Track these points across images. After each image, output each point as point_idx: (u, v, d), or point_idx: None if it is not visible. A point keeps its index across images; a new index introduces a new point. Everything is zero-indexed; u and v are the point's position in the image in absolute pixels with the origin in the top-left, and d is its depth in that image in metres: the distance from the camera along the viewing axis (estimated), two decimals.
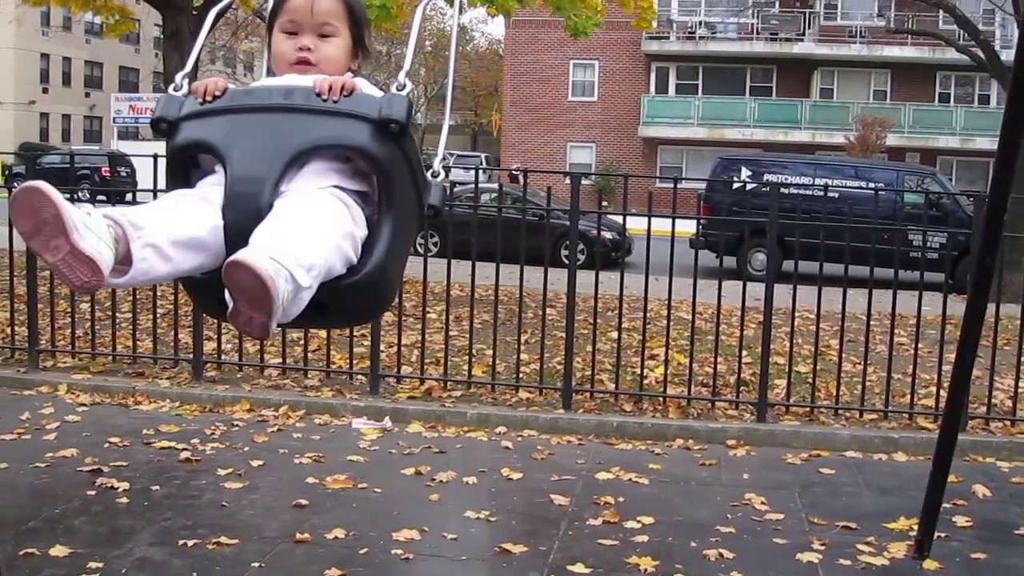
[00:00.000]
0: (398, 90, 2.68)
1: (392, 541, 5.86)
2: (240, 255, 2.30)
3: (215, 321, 9.56)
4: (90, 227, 2.29)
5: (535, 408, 8.85)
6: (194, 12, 16.39)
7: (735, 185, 21.49)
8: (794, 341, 9.05)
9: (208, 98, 2.69)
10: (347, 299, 2.69)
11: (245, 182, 2.55)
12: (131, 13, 18.95)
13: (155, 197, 9.44)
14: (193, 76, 2.94)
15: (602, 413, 8.76)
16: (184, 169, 2.75)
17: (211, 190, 2.60)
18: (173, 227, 2.46)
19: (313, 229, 2.47)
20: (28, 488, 6.66)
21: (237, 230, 2.49)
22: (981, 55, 22.19)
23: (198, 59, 3.20)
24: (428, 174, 2.90)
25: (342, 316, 3.01)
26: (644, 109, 46.03)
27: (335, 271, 2.56)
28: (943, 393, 7.91)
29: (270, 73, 2.95)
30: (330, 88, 2.62)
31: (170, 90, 2.77)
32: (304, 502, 6.52)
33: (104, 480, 6.74)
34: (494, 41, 75.53)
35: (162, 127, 2.71)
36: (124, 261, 2.38)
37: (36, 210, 2.25)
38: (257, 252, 2.32)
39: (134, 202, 9.47)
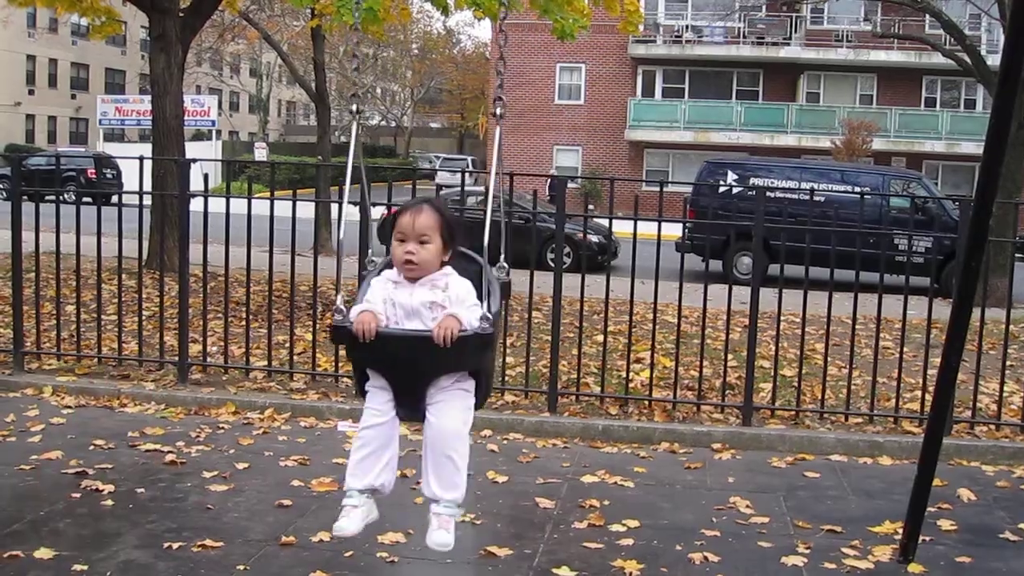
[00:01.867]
0: (483, 322, 3.91)
1: (377, 544, 5.86)
2: (438, 543, 4.08)
3: (200, 323, 9.56)
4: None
5: (521, 411, 8.85)
6: (180, 14, 16.36)
7: (721, 189, 21.52)
8: (780, 345, 9.07)
9: (365, 339, 3.90)
10: None
11: (406, 393, 4.06)
12: (117, 15, 18.88)
13: (140, 200, 9.44)
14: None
15: (588, 416, 8.77)
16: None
17: (383, 394, 4.10)
18: (384, 469, 4.13)
19: (463, 459, 4.12)
20: (12, 490, 6.64)
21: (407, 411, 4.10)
22: (967, 59, 22.29)
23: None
24: (496, 281, 4.19)
25: None
26: (630, 112, 46.05)
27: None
28: (928, 397, 7.94)
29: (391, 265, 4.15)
30: (445, 334, 3.82)
31: (336, 316, 4.04)
32: (289, 505, 6.51)
33: (89, 482, 6.72)
34: (480, 44, 75.54)
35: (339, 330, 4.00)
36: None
37: None
38: (446, 528, 4.08)
39: (120, 204, 9.45)
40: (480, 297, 4.06)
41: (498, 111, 4.32)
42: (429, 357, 3.91)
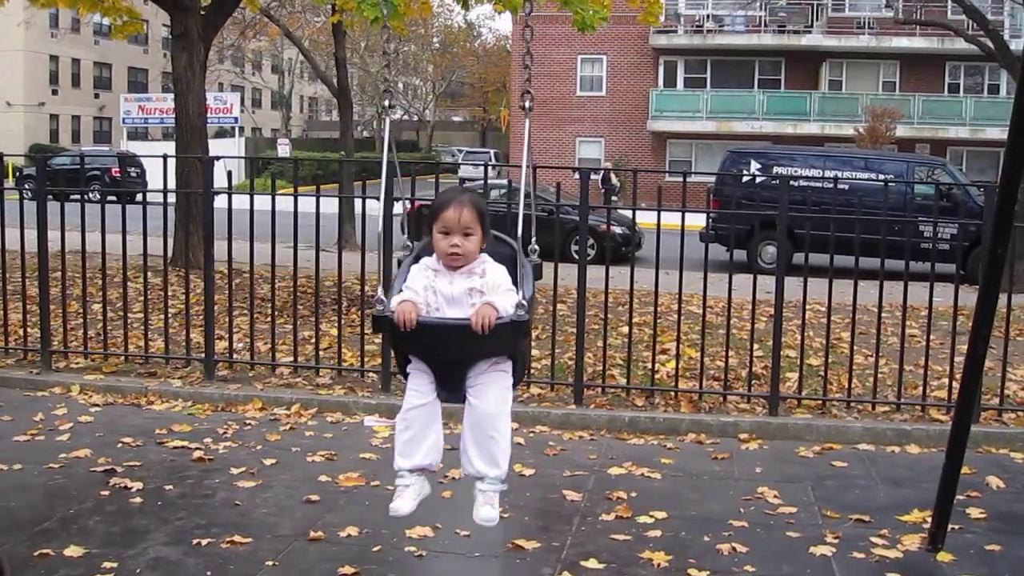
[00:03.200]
0: (518, 309, 4.02)
1: (405, 538, 5.87)
2: (485, 519, 4.29)
3: (227, 320, 9.59)
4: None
5: (547, 404, 8.85)
6: (202, 12, 16.41)
7: (744, 178, 21.46)
8: (805, 334, 9.04)
9: (406, 329, 4.01)
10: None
11: (447, 376, 4.21)
12: (139, 14, 18.96)
13: (164, 198, 9.48)
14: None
15: (614, 408, 8.76)
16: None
17: (425, 376, 4.22)
18: (431, 449, 4.30)
19: (505, 438, 4.30)
20: (42, 489, 6.68)
21: (448, 393, 4.26)
22: (990, 44, 22.15)
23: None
24: (529, 266, 4.29)
25: None
26: (652, 103, 45.95)
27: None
28: (956, 384, 7.90)
29: (427, 251, 4.31)
30: (483, 322, 3.95)
31: (377, 306, 4.12)
32: (317, 500, 6.53)
33: (118, 480, 6.76)
34: (502, 37, 75.52)
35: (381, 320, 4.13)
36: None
37: None
38: (491, 504, 4.30)
39: (144, 202, 9.49)
40: (515, 282, 4.18)
41: (527, 104, 4.37)
42: (468, 343, 4.06)
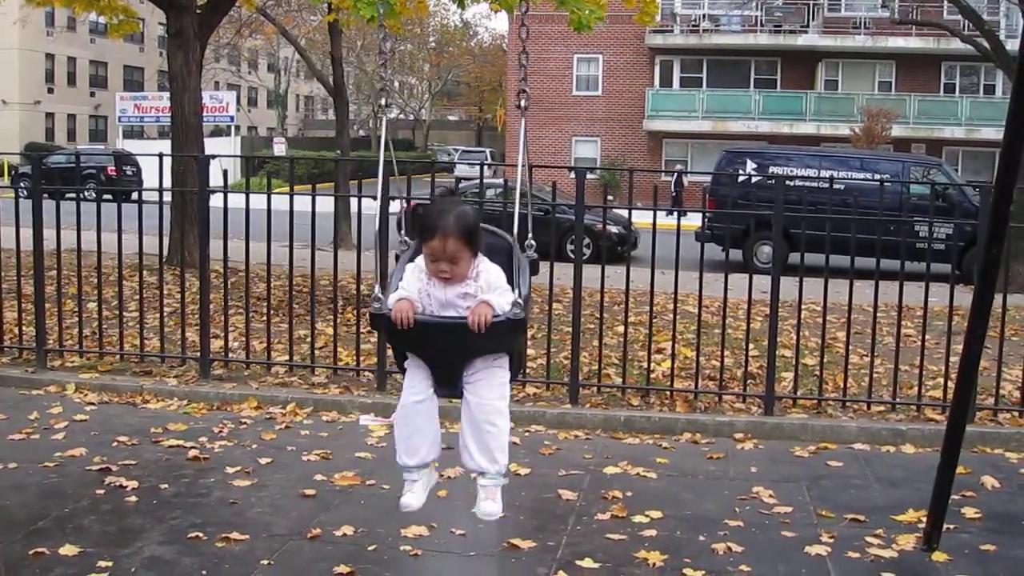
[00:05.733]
0: (514, 307, 4.12)
1: (401, 537, 5.87)
2: (486, 513, 4.44)
3: (222, 319, 9.60)
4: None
5: (542, 403, 8.85)
6: (198, 11, 16.41)
7: (740, 178, 21.47)
8: (801, 333, 9.05)
9: (404, 327, 4.12)
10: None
11: (444, 372, 4.30)
12: (135, 13, 18.96)
13: (160, 197, 9.47)
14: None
15: (609, 407, 8.77)
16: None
17: (421, 372, 4.32)
18: (432, 445, 4.45)
19: (503, 432, 4.33)
20: (37, 488, 6.67)
21: (446, 389, 4.34)
22: (986, 45, 22.16)
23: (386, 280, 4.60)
24: (526, 259, 4.39)
25: None
26: (648, 103, 45.94)
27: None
28: (951, 384, 7.91)
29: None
30: (479, 320, 4.05)
31: (374, 304, 4.24)
32: (312, 499, 6.53)
33: (113, 479, 6.75)
34: (498, 36, 75.49)
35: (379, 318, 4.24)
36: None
37: None
38: (493, 498, 4.42)
39: (140, 201, 9.47)
40: (510, 280, 4.26)
41: (522, 103, 4.44)
42: (465, 341, 4.15)
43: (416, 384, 4.30)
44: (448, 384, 4.31)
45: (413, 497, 4.47)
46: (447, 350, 4.26)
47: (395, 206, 8.71)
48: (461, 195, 12.32)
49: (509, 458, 4.44)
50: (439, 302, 4.21)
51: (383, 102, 4.80)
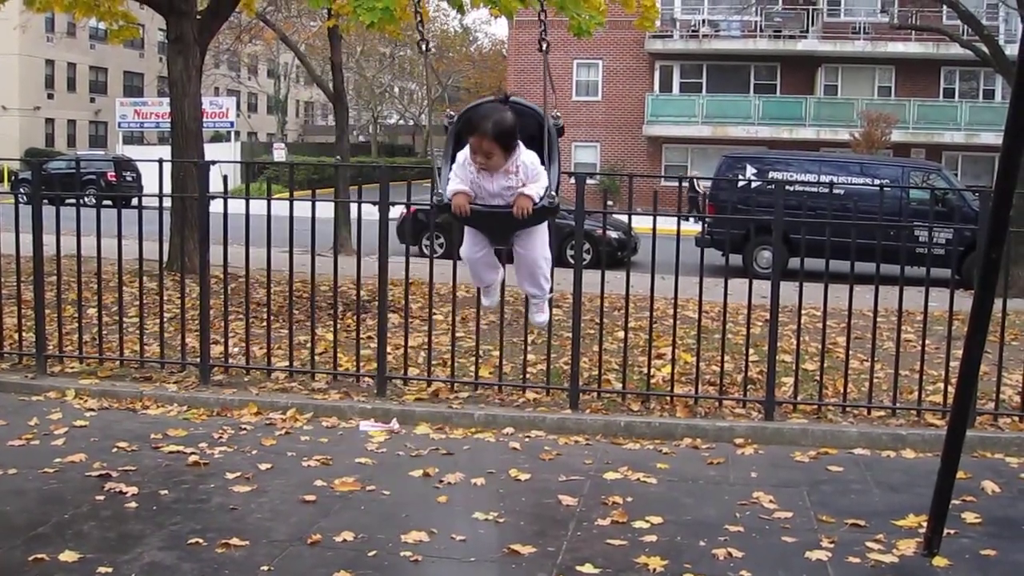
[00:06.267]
0: (547, 196, 5.18)
1: (401, 543, 5.87)
2: (538, 323, 6.14)
3: (222, 325, 9.60)
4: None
5: (542, 409, 8.85)
6: (198, 16, 16.41)
7: (740, 183, 21.48)
8: (801, 339, 9.05)
9: (462, 215, 5.21)
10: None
11: (496, 239, 5.63)
12: (135, 19, 18.98)
13: (160, 203, 9.48)
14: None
15: (609, 413, 8.76)
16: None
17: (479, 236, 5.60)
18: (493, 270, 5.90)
19: (546, 270, 5.72)
20: (37, 493, 6.67)
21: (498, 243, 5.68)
22: (985, 50, 22.17)
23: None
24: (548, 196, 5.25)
25: None
26: (648, 108, 45.95)
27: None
28: (951, 389, 7.91)
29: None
30: (522, 211, 5.14)
31: (435, 197, 5.27)
32: (312, 505, 6.53)
33: (112, 485, 6.74)
34: (497, 41, 75.52)
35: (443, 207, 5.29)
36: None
37: None
38: (542, 311, 6.02)
39: (140, 207, 9.48)
40: (541, 159, 5.21)
41: (555, 117, 5.35)
42: (512, 223, 5.26)
43: (476, 244, 5.59)
44: (500, 242, 5.67)
45: (492, 298, 6.35)
46: (496, 227, 5.45)
47: (395, 212, 8.71)
48: None
49: (508, 464, 4.46)
50: (488, 192, 5.20)
51: (422, 47, 5.61)
